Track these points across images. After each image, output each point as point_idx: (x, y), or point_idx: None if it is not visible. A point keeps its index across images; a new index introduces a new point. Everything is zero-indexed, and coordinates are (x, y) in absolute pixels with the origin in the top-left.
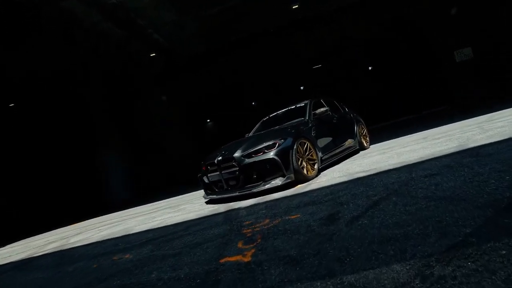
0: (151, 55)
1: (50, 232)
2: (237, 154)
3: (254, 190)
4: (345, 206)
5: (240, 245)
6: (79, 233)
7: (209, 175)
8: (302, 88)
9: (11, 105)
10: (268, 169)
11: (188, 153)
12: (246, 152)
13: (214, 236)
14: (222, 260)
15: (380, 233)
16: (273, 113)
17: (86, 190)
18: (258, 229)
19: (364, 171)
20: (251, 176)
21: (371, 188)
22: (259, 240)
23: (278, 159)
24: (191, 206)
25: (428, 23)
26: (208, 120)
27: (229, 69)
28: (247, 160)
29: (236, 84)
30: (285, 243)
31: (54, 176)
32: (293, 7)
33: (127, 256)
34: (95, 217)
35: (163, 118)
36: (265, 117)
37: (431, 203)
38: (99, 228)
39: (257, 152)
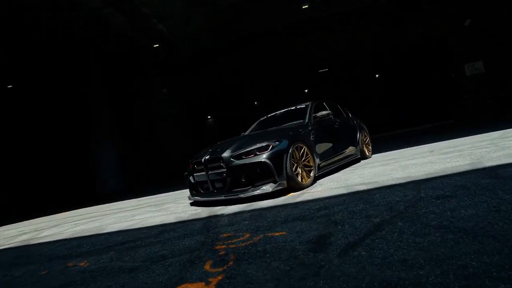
0: (154, 46)
1: (30, 220)
2: (226, 154)
3: (242, 196)
4: (339, 226)
5: (207, 267)
6: (56, 226)
7: (195, 174)
8: (306, 91)
9: (9, 86)
10: (259, 173)
11: (188, 152)
12: (236, 153)
13: (184, 249)
14: (180, 287)
15: (382, 274)
16: (272, 113)
17: (81, 180)
18: (234, 245)
19: (364, 184)
20: (239, 180)
21: (372, 206)
22: (231, 263)
23: (270, 163)
24: (175, 206)
25: (440, 33)
26: (209, 117)
27: (230, 68)
28: (236, 162)
29: (237, 83)
30: (261, 271)
31: (50, 164)
32: (303, 7)
33: (82, 263)
34: (84, 207)
35: (162, 114)
36: (263, 116)
37: (448, 235)
38: (77, 222)
39: (248, 154)
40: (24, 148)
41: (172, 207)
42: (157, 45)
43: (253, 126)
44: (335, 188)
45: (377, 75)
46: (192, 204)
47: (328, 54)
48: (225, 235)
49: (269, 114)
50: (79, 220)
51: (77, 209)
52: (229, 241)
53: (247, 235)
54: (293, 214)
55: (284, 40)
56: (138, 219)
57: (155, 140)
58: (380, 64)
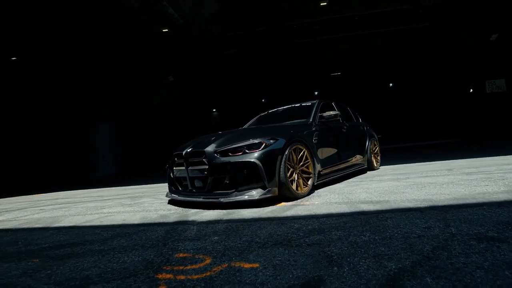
0: (163, 30)
1: (2, 199)
2: (210, 148)
3: (222, 200)
4: (335, 268)
5: None
6: (19, 209)
7: (175, 169)
8: (316, 93)
9: (13, 58)
10: (245, 175)
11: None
12: (221, 148)
13: (120, 270)
14: None
15: None
16: (274, 109)
17: (75, 162)
18: (183, 277)
19: (372, 202)
20: (222, 180)
21: (382, 238)
22: None
23: (260, 165)
24: (151, 202)
25: (461, 46)
26: (214, 110)
27: (240, 63)
28: (221, 159)
29: (245, 79)
30: None
31: (44, 144)
32: (321, 4)
33: None
34: (69, 190)
35: (164, 102)
36: (264, 112)
37: None
38: (44, 208)
39: (235, 151)
40: (19, 126)
41: (148, 202)
42: (166, 30)
43: (251, 122)
44: (336, 203)
45: (390, 84)
46: (169, 202)
47: (342, 58)
48: (181, 255)
49: (271, 109)
50: (48, 206)
51: (60, 191)
52: (181, 268)
53: (207, 261)
54: (277, 235)
55: (298, 39)
56: (103, 214)
57: (154, 128)
58: (394, 72)
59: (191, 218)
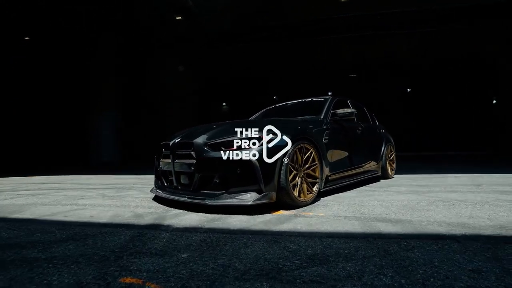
0: (177, 17)
1: None
2: (199, 140)
3: (208, 202)
4: None
5: None
6: None
7: (161, 160)
8: (330, 93)
9: (26, 38)
10: (238, 175)
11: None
12: (212, 141)
13: None
14: None
15: None
16: (282, 103)
17: (77, 146)
18: None
19: (390, 221)
20: (211, 179)
21: (412, 283)
22: None
23: (257, 163)
24: (135, 195)
25: (488, 50)
26: (224, 104)
27: (253, 58)
28: (211, 154)
29: (257, 74)
30: None
31: (47, 126)
32: (342, 0)
33: None
34: (62, 174)
35: (173, 92)
36: (271, 105)
37: None
38: (21, 193)
39: (228, 145)
40: (24, 105)
41: (132, 196)
42: (179, 17)
43: (256, 115)
44: (345, 217)
45: (408, 90)
46: (154, 198)
47: (357, 58)
48: (127, 280)
49: (279, 103)
50: (29, 190)
51: (54, 175)
52: None
53: None
54: (265, 259)
55: (315, 36)
56: (76, 206)
57: (161, 118)
58: (413, 77)
59: (167, 222)
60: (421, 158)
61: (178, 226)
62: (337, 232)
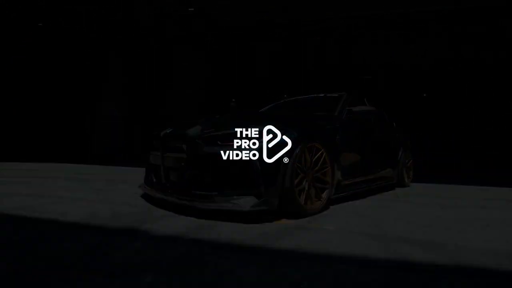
0: (189, 9)
1: None
2: (192, 131)
3: (198, 206)
4: None
5: None
6: None
7: (151, 153)
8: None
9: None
10: (235, 176)
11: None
12: (207, 134)
13: None
14: None
15: None
16: (293, 97)
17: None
18: None
19: (418, 244)
20: (203, 178)
21: None
22: None
23: (257, 162)
24: (125, 189)
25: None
26: (233, 100)
27: (262, 54)
28: (204, 148)
29: (267, 72)
30: None
31: (50, 115)
32: None
33: None
34: (59, 162)
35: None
36: (281, 100)
37: None
38: (5, 179)
39: (225, 139)
40: (28, 93)
41: (120, 190)
42: (192, 9)
43: (265, 108)
44: (360, 234)
45: (424, 95)
46: (143, 194)
47: (373, 60)
48: None
49: (290, 98)
50: (16, 177)
51: (50, 163)
52: None
53: None
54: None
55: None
56: (54, 199)
57: (170, 110)
58: (429, 81)
59: (145, 227)
60: (435, 165)
61: (156, 234)
62: (352, 255)
